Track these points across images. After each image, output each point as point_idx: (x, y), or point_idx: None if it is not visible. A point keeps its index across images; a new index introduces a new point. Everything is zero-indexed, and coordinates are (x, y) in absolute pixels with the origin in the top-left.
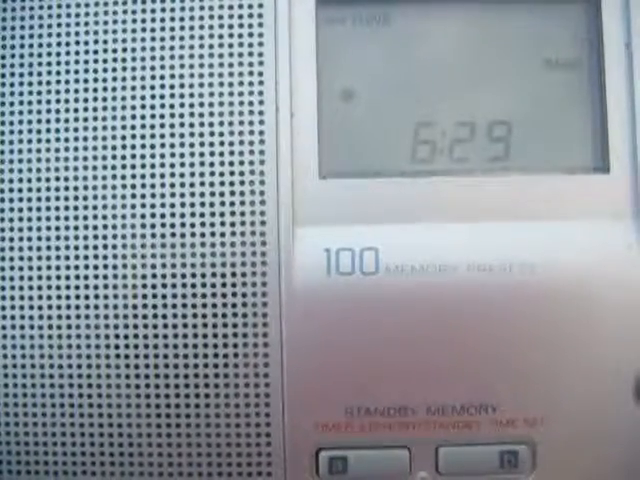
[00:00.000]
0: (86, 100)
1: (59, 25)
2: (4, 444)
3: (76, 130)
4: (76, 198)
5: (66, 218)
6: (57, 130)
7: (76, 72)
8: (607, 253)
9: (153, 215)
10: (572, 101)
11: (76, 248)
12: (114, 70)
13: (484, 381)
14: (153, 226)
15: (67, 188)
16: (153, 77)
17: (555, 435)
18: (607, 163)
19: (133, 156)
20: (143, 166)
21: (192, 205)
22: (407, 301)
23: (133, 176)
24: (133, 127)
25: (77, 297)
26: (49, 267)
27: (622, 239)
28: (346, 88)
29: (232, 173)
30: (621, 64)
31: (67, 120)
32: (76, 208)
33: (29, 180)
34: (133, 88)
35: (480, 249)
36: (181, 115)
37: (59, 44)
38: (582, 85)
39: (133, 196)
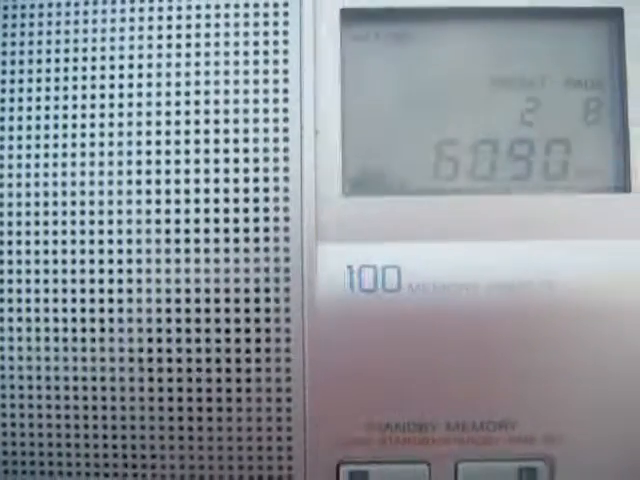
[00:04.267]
0: (112, 115)
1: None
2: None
3: (102, 144)
4: (101, 212)
5: (91, 232)
6: (82, 144)
7: (91, 92)
8: (627, 272)
9: (177, 230)
10: (593, 120)
11: (101, 262)
12: (139, 85)
13: (504, 398)
14: (177, 241)
15: (91, 202)
16: (178, 93)
17: (574, 453)
18: (628, 182)
19: (158, 171)
20: (167, 181)
21: (216, 221)
22: (428, 319)
23: (158, 191)
24: (158, 142)
25: (102, 310)
26: (74, 280)
27: None
28: (370, 105)
29: (256, 189)
30: None
31: (92, 136)
32: (101, 222)
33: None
34: (158, 104)
35: (501, 267)
36: (206, 131)
37: (85, 49)
38: (604, 104)
39: (157, 211)
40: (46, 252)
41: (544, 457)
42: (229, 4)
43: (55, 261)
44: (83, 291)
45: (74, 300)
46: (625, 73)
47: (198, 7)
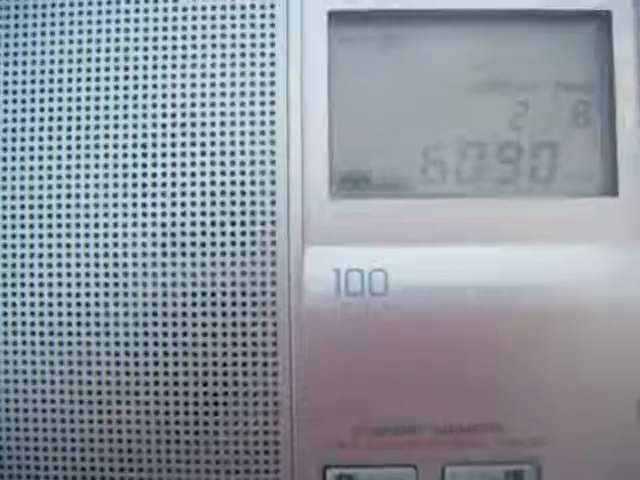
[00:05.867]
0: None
1: (71, 42)
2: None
3: (87, 147)
4: (87, 216)
5: (77, 235)
6: (68, 146)
7: (87, 89)
8: (615, 275)
9: (164, 234)
10: (582, 123)
11: (87, 265)
12: (125, 88)
13: (491, 401)
14: (164, 245)
15: (77, 205)
16: (164, 95)
17: (560, 455)
18: (616, 186)
19: (144, 174)
20: (154, 185)
21: (203, 224)
22: (415, 322)
23: (144, 194)
24: (144, 145)
25: (88, 314)
26: (60, 284)
27: (630, 262)
28: (358, 108)
29: (243, 193)
30: (631, 87)
31: (78, 135)
32: (87, 225)
33: (30, 196)
34: (144, 106)
35: (488, 272)
36: (192, 134)
37: (70, 60)
38: (593, 107)
39: (144, 215)
40: (40, 255)
41: (531, 460)
42: (215, 6)
43: (39, 263)
44: (69, 295)
45: (68, 304)
46: (614, 76)
47: (185, 9)
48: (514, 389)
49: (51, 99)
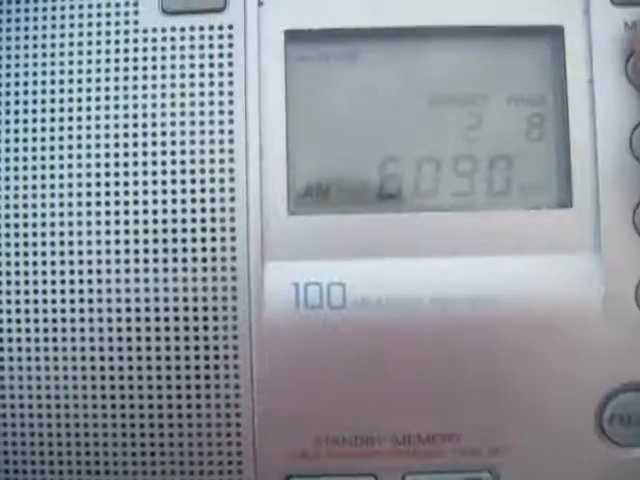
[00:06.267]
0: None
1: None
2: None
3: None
4: (43, 224)
5: (33, 244)
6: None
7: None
8: (568, 286)
9: (127, 251)
10: (536, 136)
11: (53, 273)
12: (88, 102)
13: (449, 411)
14: (127, 261)
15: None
16: (126, 116)
17: (518, 465)
18: (570, 198)
19: (107, 193)
20: (117, 203)
21: (165, 241)
22: (374, 334)
23: (107, 213)
24: (107, 165)
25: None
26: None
27: (583, 272)
28: (315, 124)
29: (203, 210)
30: (584, 100)
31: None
32: (43, 234)
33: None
34: (107, 127)
35: (444, 283)
36: (153, 153)
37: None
38: (546, 120)
39: (107, 232)
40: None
41: (489, 468)
42: (175, 27)
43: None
44: (45, 301)
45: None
46: (566, 89)
47: (145, 31)
48: (471, 399)
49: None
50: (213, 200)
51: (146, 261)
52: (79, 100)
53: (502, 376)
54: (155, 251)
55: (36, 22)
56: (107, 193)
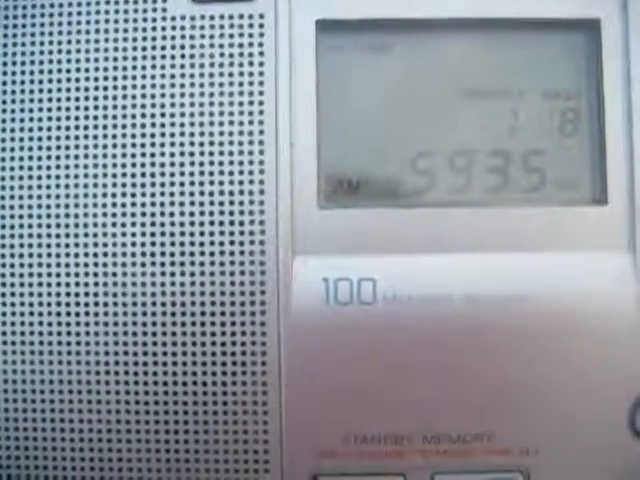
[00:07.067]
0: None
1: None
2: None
3: (86, 157)
4: (76, 225)
5: (66, 245)
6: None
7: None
8: (602, 284)
9: (153, 244)
10: (571, 131)
11: (76, 275)
12: (115, 98)
13: (480, 410)
14: (153, 254)
15: (66, 215)
16: (153, 105)
17: (549, 465)
18: (605, 195)
19: (134, 185)
20: (143, 194)
21: (192, 234)
22: (404, 330)
23: (133, 204)
24: (133, 155)
25: (77, 324)
26: (49, 293)
27: (617, 271)
28: (346, 116)
29: (232, 203)
30: (620, 95)
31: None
32: (76, 235)
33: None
34: (134, 116)
35: (477, 280)
36: (181, 144)
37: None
38: (581, 115)
39: (133, 224)
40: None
41: (520, 469)
42: (204, 16)
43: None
44: (59, 304)
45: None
46: (602, 84)
47: (174, 18)
48: (503, 398)
49: (39, 109)
50: (242, 193)
51: (172, 254)
52: (105, 89)
53: (533, 375)
54: (182, 244)
55: (61, 8)
56: (133, 184)
